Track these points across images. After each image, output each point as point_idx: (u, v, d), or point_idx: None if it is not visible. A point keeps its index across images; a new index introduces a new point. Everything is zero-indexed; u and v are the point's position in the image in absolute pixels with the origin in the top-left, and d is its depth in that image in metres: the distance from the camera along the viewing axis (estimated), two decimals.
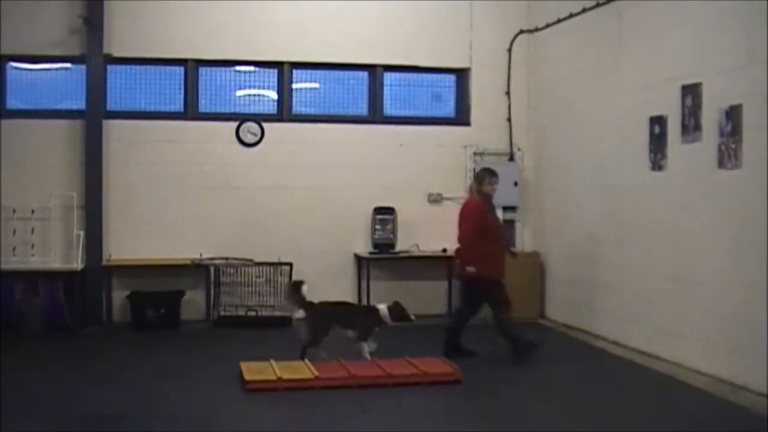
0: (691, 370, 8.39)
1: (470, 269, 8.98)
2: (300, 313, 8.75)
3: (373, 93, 12.08)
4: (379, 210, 11.71)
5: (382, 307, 8.83)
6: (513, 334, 9.02)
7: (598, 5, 10.16)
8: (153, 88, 11.60)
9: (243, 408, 7.28)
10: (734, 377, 7.85)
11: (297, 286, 8.90)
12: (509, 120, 12.21)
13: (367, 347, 8.65)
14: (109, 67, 11.25)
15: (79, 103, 11.15)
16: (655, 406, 7.45)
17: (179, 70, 11.58)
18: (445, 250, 11.78)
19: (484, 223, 9.03)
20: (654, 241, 9.19)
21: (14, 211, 10.85)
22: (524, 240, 12.16)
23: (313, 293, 11.38)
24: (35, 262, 10.86)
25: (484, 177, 9.20)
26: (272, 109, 11.88)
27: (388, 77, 12.15)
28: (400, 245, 11.73)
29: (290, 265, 11.28)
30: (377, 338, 8.75)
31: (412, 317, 8.93)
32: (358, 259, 11.76)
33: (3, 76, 11.16)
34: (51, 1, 11.01)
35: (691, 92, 8.48)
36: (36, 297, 10.65)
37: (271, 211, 11.59)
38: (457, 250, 9.35)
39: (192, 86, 11.56)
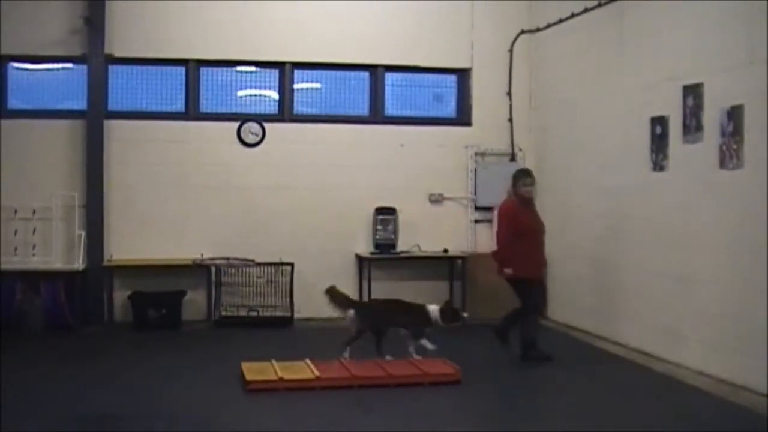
0: (692, 371, 8.39)
1: (507, 271, 9.04)
2: (350, 313, 8.79)
3: (374, 93, 12.08)
4: (380, 210, 11.70)
5: (433, 308, 8.76)
6: (532, 338, 9.04)
7: (599, 5, 10.15)
8: (154, 88, 11.61)
9: (244, 408, 7.28)
10: (734, 377, 7.84)
11: (334, 290, 8.92)
12: (510, 120, 12.21)
13: (419, 345, 8.61)
14: (110, 67, 11.25)
15: (80, 104, 11.16)
16: (655, 407, 7.44)
17: (180, 71, 11.58)
18: (446, 251, 11.81)
19: (516, 225, 9.01)
20: (655, 241, 9.19)
21: (15, 211, 10.86)
22: None
23: (313, 294, 11.44)
24: (36, 262, 10.87)
25: (518, 178, 9.20)
26: (273, 109, 11.88)
27: (389, 77, 12.15)
28: (402, 245, 11.72)
29: (291, 265, 11.29)
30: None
31: (464, 315, 8.88)
32: (360, 259, 11.76)
33: (4, 76, 11.17)
34: (52, 1, 11.02)
35: (693, 92, 8.47)
36: (37, 297, 10.65)
37: (273, 211, 11.59)
38: (492, 252, 9.45)
39: (193, 86, 11.57)
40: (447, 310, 8.76)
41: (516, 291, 9.12)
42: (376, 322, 8.69)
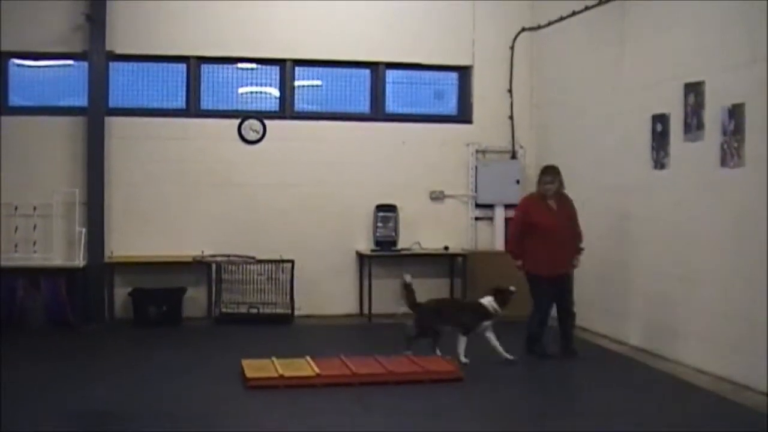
0: (692, 369, 8.39)
1: (517, 263, 9.22)
2: (407, 310, 8.98)
3: (375, 90, 12.08)
4: (381, 207, 11.70)
5: (488, 300, 8.83)
6: (536, 333, 9.13)
7: (600, 3, 10.15)
8: (155, 85, 11.59)
9: (244, 405, 7.28)
10: (735, 376, 7.84)
11: (408, 287, 8.96)
12: (511, 118, 12.21)
13: (463, 344, 8.69)
14: (111, 63, 11.24)
15: (82, 100, 11.14)
16: (655, 405, 7.43)
17: (181, 67, 11.56)
18: (447, 248, 11.80)
19: (527, 220, 9.15)
20: (656, 239, 9.19)
21: (16, 207, 10.85)
22: None
23: (314, 290, 11.48)
24: (37, 258, 10.86)
25: (540, 175, 9.30)
26: (274, 106, 11.87)
27: (391, 75, 12.14)
28: (402, 243, 11.72)
29: (292, 262, 11.28)
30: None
31: (512, 288, 8.91)
32: (360, 256, 11.75)
33: (5, 73, 11.15)
34: None
35: (694, 90, 8.47)
36: (38, 294, 10.64)
37: (273, 208, 11.59)
38: (506, 245, 9.73)
39: (194, 83, 11.56)
40: (499, 297, 8.83)
41: (528, 286, 9.21)
42: (433, 322, 8.73)
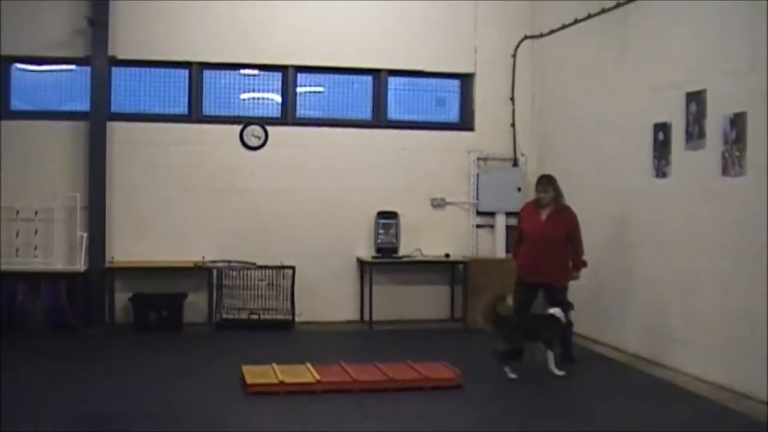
0: (692, 377, 8.38)
1: (515, 264, 9.46)
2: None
3: (377, 97, 12.09)
4: (382, 214, 11.70)
5: (555, 310, 8.77)
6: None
7: (603, 11, 10.16)
8: (157, 90, 11.60)
9: (244, 411, 7.27)
10: (735, 384, 7.84)
11: (497, 297, 8.84)
12: (513, 125, 12.21)
13: (552, 357, 8.67)
14: (113, 69, 11.26)
15: (83, 105, 11.16)
16: (654, 413, 7.42)
17: (183, 73, 11.58)
18: (447, 255, 11.79)
19: (519, 226, 9.45)
20: (657, 247, 9.19)
21: (17, 212, 10.85)
22: None
23: (314, 297, 11.46)
24: (38, 263, 10.85)
25: (535, 184, 9.40)
26: (276, 112, 11.88)
27: (392, 81, 12.15)
28: (403, 250, 11.71)
29: (293, 268, 11.28)
30: None
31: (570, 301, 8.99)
32: (361, 263, 11.75)
33: (7, 78, 11.16)
34: (56, 2, 11.02)
35: (696, 99, 8.48)
36: (38, 298, 10.65)
37: (274, 214, 11.58)
38: None
39: (196, 89, 11.57)
40: (563, 305, 8.83)
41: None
42: (517, 336, 8.55)
